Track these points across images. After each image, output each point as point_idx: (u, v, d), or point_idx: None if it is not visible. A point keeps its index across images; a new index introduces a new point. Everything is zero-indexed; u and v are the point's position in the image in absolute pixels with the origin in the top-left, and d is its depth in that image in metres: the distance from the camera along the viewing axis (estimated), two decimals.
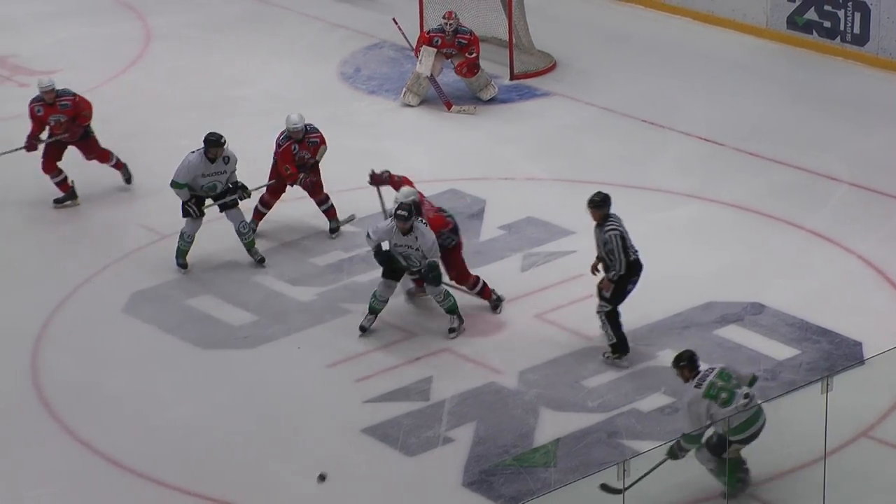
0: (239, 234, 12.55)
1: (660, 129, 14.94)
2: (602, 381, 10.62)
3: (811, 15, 16.63)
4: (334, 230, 13.09)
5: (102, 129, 14.05)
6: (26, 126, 13.68)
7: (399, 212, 10.99)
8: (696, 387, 8.70)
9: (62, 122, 13.34)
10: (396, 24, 16.13)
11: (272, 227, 13.30)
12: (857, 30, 16.23)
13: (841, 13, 16.32)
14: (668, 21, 17.92)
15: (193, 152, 12.32)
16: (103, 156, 13.83)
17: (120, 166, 13.78)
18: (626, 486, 8.25)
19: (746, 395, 8.72)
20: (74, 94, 13.47)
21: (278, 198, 13.04)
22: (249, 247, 12.67)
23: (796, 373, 10.48)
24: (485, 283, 12.01)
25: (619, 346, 10.63)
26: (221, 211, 12.58)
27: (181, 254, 12.47)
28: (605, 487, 8.20)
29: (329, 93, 16.19)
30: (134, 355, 11.56)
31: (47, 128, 13.52)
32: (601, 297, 10.52)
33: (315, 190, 13.06)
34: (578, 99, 15.81)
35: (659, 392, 10.35)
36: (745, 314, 11.43)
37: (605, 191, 10.95)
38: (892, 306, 11.51)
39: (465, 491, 9.56)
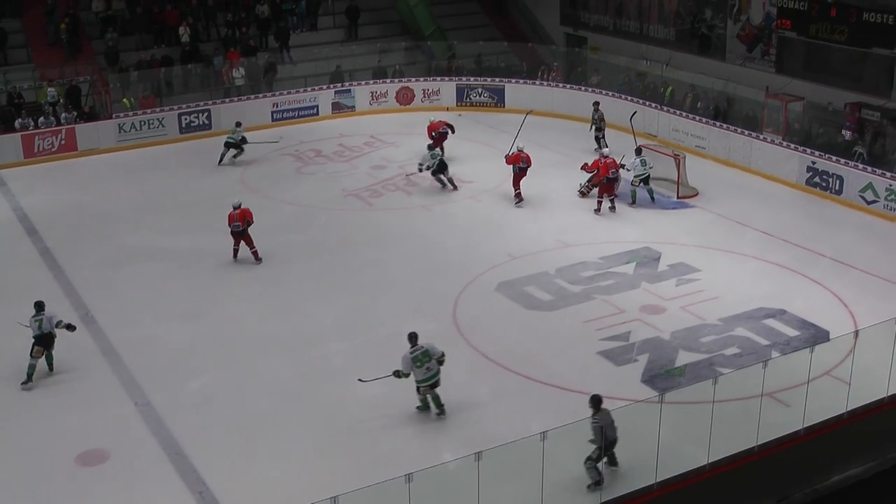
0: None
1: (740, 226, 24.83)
2: (710, 339, 19.00)
3: None
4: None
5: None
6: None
7: None
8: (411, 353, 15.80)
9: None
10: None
11: None
12: None
13: None
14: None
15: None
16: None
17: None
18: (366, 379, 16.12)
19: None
20: None
21: None
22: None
23: (799, 342, 18.48)
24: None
25: None
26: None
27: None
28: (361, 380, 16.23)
29: None
30: None
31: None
32: None
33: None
34: (708, 210, 26.28)
35: (734, 347, 18.67)
36: (777, 314, 20.06)
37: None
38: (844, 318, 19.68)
39: (641, 385, 17.31)
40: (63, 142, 31.87)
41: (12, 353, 18.81)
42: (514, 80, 36.32)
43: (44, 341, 17.94)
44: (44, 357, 18.06)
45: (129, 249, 24.18)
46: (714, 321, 19.93)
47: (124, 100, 33.42)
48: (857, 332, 16.82)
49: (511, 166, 26.56)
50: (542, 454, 13.15)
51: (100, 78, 34.24)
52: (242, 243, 22.85)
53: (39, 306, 18.04)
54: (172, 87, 35.21)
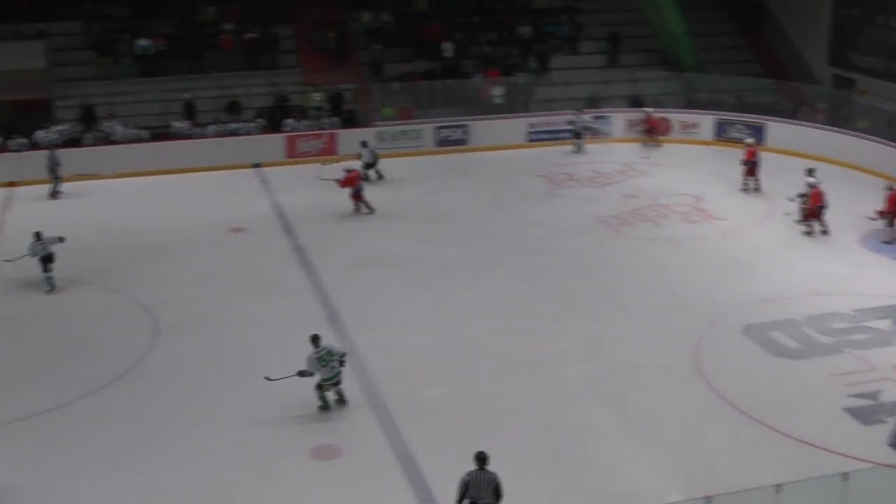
0: None
1: None
2: None
3: None
4: None
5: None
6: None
7: None
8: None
9: None
10: None
11: None
12: None
13: None
14: None
15: None
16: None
17: None
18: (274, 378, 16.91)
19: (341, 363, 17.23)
20: None
21: None
22: None
23: None
24: None
25: None
26: None
27: None
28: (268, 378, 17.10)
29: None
30: None
31: None
32: None
33: None
34: None
35: None
36: None
37: None
38: None
39: (888, 448, 16.18)
40: (324, 145, 32.97)
41: (270, 347, 19.58)
42: (774, 119, 35.19)
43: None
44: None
45: (376, 254, 24.83)
46: None
47: (385, 109, 34.31)
48: None
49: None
50: None
51: (363, 86, 35.29)
52: None
53: (38, 236, 22.42)
54: (433, 100, 35.91)
